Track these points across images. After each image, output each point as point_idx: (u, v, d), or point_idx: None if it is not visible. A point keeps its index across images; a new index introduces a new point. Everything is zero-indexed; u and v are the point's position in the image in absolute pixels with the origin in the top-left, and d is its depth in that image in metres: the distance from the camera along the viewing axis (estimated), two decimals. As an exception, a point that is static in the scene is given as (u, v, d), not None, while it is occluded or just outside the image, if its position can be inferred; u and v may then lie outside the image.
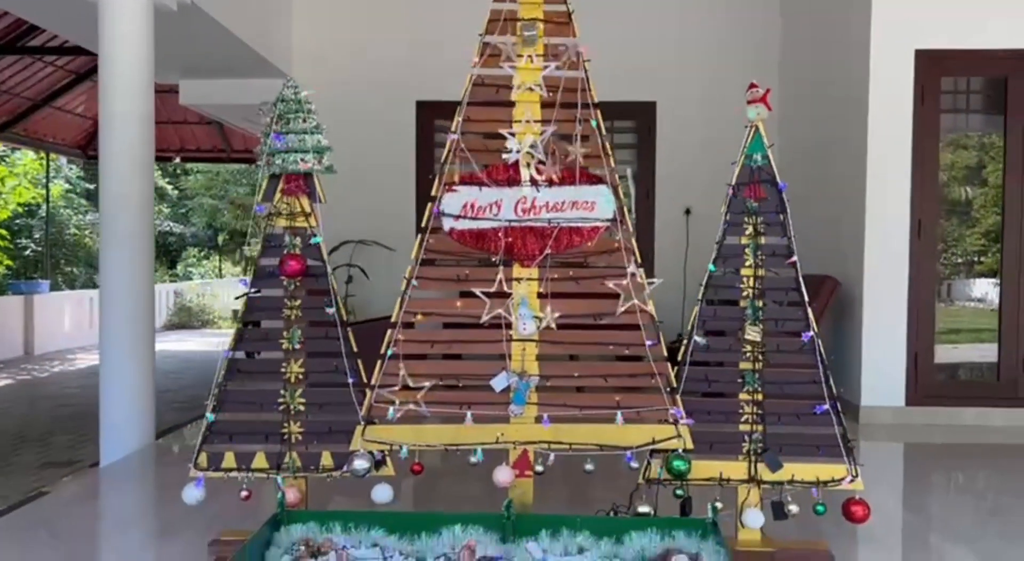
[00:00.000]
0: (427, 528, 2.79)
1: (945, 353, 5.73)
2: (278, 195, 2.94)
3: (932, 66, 5.44)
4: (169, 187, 25.09)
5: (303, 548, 2.69)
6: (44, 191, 17.09)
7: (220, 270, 26.39)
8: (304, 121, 2.92)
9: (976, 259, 6.29)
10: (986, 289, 5.88)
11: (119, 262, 4.61)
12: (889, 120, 5.45)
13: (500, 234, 2.83)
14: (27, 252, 18.27)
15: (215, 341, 13.83)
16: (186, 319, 18.19)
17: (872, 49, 5.46)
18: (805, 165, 6.48)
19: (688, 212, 7.41)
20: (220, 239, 26.04)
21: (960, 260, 6.02)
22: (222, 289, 19.77)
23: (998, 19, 5.41)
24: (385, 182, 7.68)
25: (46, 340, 13.54)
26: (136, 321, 4.65)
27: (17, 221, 17.67)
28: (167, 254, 25.52)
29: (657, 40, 7.57)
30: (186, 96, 8.52)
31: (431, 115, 7.62)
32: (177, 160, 16.60)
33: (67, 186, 19.54)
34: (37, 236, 18.19)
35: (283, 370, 2.92)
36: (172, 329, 17.92)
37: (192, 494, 2.89)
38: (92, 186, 19.56)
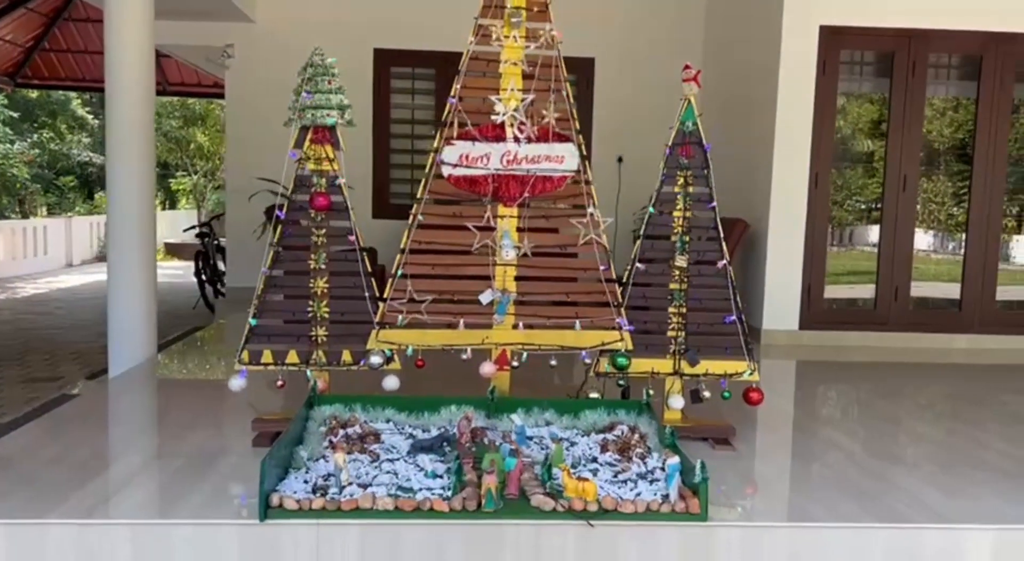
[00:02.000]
0: (429, 407, 3.61)
1: (840, 291, 6.75)
2: (307, 143, 3.60)
3: (833, 40, 6.33)
4: (90, 117, 24.58)
5: (333, 421, 3.46)
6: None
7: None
8: (330, 83, 3.58)
9: (875, 206, 7.26)
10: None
11: (126, 187, 5.14)
12: (795, 86, 6.34)
13: (488, 180, 3.58)
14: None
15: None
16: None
17: (784, 23, 6.31)
18: (723, 121, 7.36)
19: (620, 160, 8.23)
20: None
21: (863, 207, 6.97)
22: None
23: (888, 1, 6.32)
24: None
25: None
26: (141, 243, 5.21)
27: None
28: (86, 185, 25.11)
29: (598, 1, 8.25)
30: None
31: (388, 62, 8.17)
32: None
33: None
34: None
35: (311, 285, 3.64)
36: (103, 260, 17.98)
37: (236, 383, 3.60)
38: (17, 114, 19.15)
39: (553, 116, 3.58)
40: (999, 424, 4.33)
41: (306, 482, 2.92)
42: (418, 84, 8.37)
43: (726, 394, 3.75)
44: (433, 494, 2.85)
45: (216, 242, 10.07)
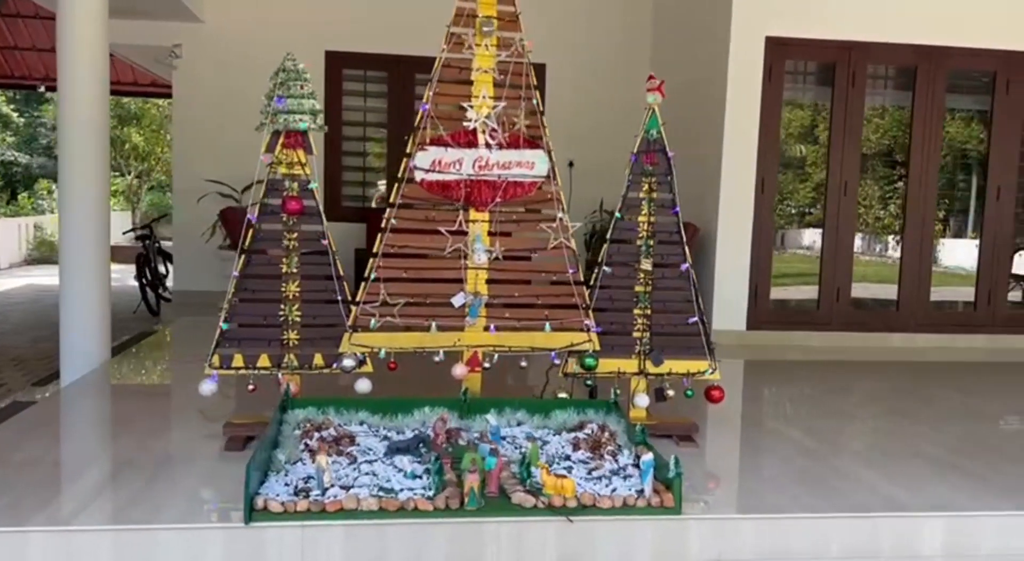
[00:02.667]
0: (402, 409, 3.65)
1: (779, 292, 7.01)
2: (279, 148, 3.62)
3: (778, 50, 6.57)
4: (15, 114, 23.74)
5: (308, 424, 3.48)
6: None
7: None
8: (302, 88, 3.59)
9: (808, 210, 7.54)
10: (814, 238, 7.16)
11: (81, 188, 5.04)
12: (743, 95, 6.56)
13: (461, 185, 3.65)
14: None
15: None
16: (47, 253, 17.68)
17: (732, 34, 6.52)
18: (671, 128, 7.53)
19: (571, 164, 8.37)
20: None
21: (794, 211, 7.26)
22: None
23: (830, 14, 6.59)
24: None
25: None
26: (96, 245, 5.12)
27: None
28: (9, 185, 24.21)
29: (549, 8, 8.38)
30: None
31: (339, 64, 8.15)
32: (42, 89, 15.97)
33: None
34: None
35: (282, 289, 3.65)
36: (33, 264, 17.44)
37: (207, 387, 3.59)
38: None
39: (524, 123, 3.66)
40: (943, 418, 4.57)
41: (287, 485, 2.94)
42: (370, 87, 8.37)
43: (689, 393, 3.88)
44: (415, 494, 2.90)
45: (157, 245, 9.87)
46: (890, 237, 7.00)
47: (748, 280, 6.70)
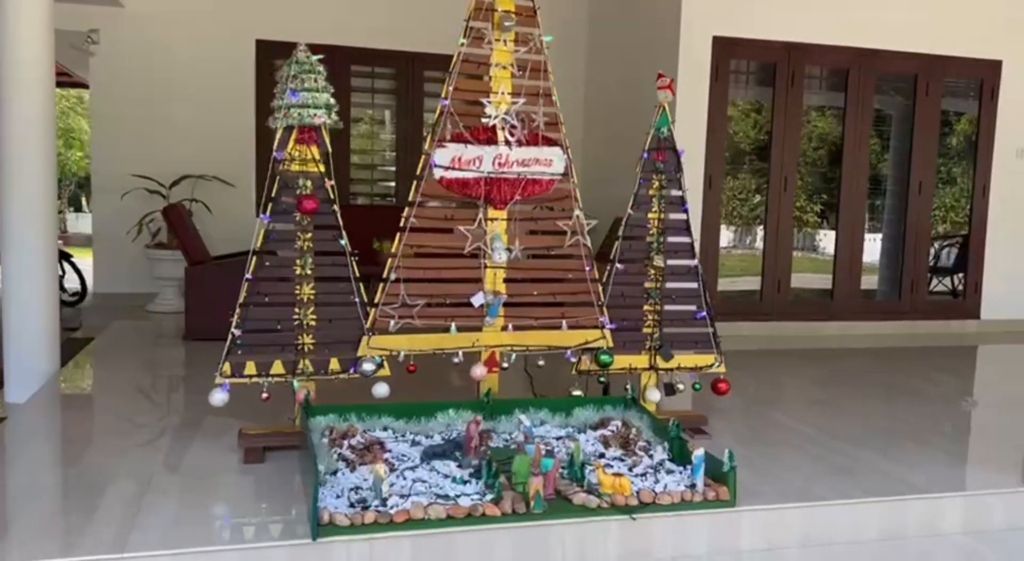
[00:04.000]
0: (425, 413, 3.57)
1: (725, 284, 7.25)
2: (292, 144, 3.45)
3: (725, 50, 6.77)
4: None
5: (331, 432, 3.35)
6: None
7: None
8: (316, 81, 3.43)
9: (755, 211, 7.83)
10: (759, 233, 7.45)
11: (26, 185, 4.64)
12: (691, 93, 6.72)
13: (481, 183, 3.58)
14: None
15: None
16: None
17: (681, 33, 6.67)
18: (612, 126, 7.66)
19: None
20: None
21: (745, 211, 7.53)
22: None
23: (773, 16, 6.84)
24: (224, 119, 7.80)
25: None
26: (43, 247, 4.73)
27: None
28: None
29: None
30: None
31: (271, 54, 7.83)
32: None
33: None
34: None
35: (296, 292, 3.48)
36: None
37: (218, 397, 3.39)
38: None
39: (543, 120, 3.63)
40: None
41: (337, 497, 2.82)
42: (303, 78, 8.07)
43: (697, 386, 3.97)
44: (472, 499, 2.84)
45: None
46: (822, 232, 7.36)
47: (697, 273, 6.87)
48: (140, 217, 7.41)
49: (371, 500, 2.79)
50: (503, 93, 3.59)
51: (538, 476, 2.82)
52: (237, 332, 3.39)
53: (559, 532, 2.81)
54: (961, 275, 8.97)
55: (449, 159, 3.54)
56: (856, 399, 4.92)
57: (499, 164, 3.59)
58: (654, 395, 3.92)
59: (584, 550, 2.83)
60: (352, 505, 2.76)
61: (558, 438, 3.49)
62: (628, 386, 3.84)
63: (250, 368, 3.43)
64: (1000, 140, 7.56)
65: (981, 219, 7.64)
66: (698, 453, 3.02)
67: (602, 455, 3.34)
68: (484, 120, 3.57)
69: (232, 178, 7.74)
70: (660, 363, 3.93)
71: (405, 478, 3.00)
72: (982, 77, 7.46)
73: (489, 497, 2.85)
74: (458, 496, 2.87)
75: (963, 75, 7.49)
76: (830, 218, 7.56)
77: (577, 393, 3.87)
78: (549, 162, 3.66)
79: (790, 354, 6.32)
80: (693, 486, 3.01)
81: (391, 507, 2.73)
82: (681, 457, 3.23)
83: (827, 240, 7.92)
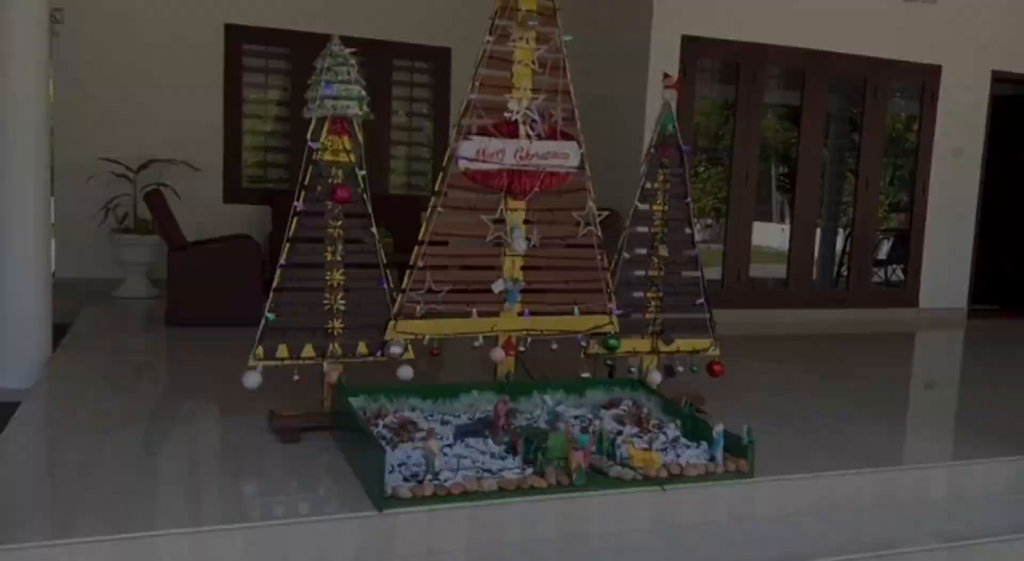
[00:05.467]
0: (450, 394, 3.73)
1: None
2: (324, 134, 3.54)
3: (692, 48, 7.06)
4: None
5: (363, 412, 3.48)
6: None
7: None
8: (348, 73, 3.53)
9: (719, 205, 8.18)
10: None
11: (20, 169, 4.58)
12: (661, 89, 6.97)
13: (503, 174, 3.74)
14: None
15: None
16: None
17: (652, 31, 6.93)
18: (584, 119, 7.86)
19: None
20: None
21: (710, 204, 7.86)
22: None
23: (737, 17, 7.16)
24: (192, 104, 7.70)
25: None
26: (36, 234, 4.68)
27: None
28: None
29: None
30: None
31: (240, 39, 7.77)
32: None
33: None
34: None
35: (327, 278, 3.59)
36: None
37: (252, 380, 3.48)
38: None
39: (560, 115, 3.82)
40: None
41: (389, 472, 2.97)
42: (272, 63, 8.05)
43: (695, 368, 4.23)
44: (514, 473, 3.03)
45: None
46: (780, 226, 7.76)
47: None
48: (105, 201, 7.29)
49: (422, 474, 2.95)
50: (525, 89, 3.76)
51: (579, 451, 3.02)
52: (271, 317, 3.48)
53: (599, 503, 3.02)
54: (894, 266, 9.55)
55: (474, 151, 3.70)
56: (812, 379, 5.28)
57: (520, 157, 3.76)
58: (656, 377, 4.16)
59: (620, 519, 3.05)
60: (405, 479, 2.92)
61: (576, 416, 3.70)
62: (632, 368, 4.08)
63: (282, 351, 3.53)
64: (939, 140, 8.08)
65: (920, 214, 8.16)
66: (718, 429, 3.27)
67: (619, 432, 3.56)
68: (507, 115, 3.74)
69: (199, 163, 7.67)
70: (661, 347, 4.17)
71: (446, 454, 3.16)
72: (923, 81, 7.95)
73: (530, 471, 3.04)
74: (500, 471, 3.05)
75: (906, 80, 7.98)
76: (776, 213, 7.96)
77: (585, 375, 4.08)
78: (566, 156, 3.85)
79: (751, 340, 6.68)
80: (712, 459, 3.26)
81: (444, 480, 2.90)
82: (695, 433, 3.48)
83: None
